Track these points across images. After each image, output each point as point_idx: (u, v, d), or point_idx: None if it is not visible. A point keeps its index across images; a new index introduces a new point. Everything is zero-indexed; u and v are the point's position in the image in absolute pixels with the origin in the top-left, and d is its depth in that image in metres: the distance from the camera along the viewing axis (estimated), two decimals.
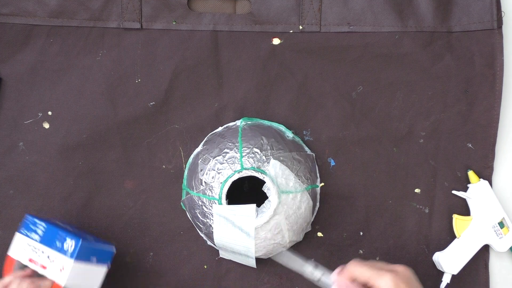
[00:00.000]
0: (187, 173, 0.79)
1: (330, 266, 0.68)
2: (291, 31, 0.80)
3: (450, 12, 0.79)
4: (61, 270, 0.67)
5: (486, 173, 0.80)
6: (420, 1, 0.79)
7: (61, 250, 0.68)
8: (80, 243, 0.67)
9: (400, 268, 0.65)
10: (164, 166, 0.80)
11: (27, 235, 0.69)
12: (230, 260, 0.80)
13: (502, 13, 0.79)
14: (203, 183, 0.74)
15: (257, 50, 0.80)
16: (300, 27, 0.79)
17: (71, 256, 0.67)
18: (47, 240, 0.68)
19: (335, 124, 0.80)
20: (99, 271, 0.72)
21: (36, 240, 0.69)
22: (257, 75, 0.80)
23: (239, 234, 0.72)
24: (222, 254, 0.78)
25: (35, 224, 0.69)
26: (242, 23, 0.80)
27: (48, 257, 0.68)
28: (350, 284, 0.65)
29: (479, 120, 0.80)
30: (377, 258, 0.80)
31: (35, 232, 0.69)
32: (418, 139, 0.80)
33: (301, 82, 0.80)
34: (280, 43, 0.80)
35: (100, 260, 0.71)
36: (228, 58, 0.80)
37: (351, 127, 0.80)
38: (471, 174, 0.79)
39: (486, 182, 0.79)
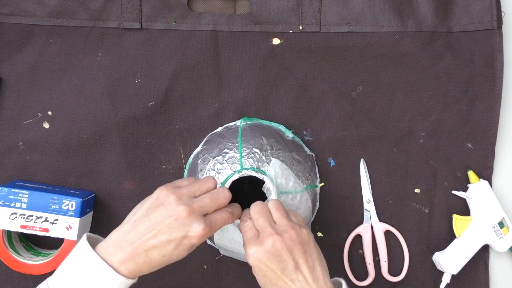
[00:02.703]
0: (187, 173, 0.79)
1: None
2: (291, 31, 0.80)
3: (450, 12, 0.79)
4: (68, 228, 0.75)
5: (486, 173, 0.80)
6: (420, 1, 0.79)
7: (61, 212, 0.75)
8: (81, 203, 0.75)
9: (287, 234, 0.62)
10: (164, 166, 0.80)
11: (9, 206, 0.74)
12: (230, 260, 0.80)
13: (502, 13, 0.79)
14: None
15: (257, 50, 0.80)
16: (300, 27, 0.79)
17: (76, 215, 0.75)
18: (38, 206, 0.75)
19: (335, 124, 0.80)
20: (89, 216, 0.79)
21: (23, 208, 0.75)
22: (257, 75, 0.80)
23: (239, 234, 0.72)
24: (223, 252, 0.78)
25: (16, 194, 0.75)
26: (242, 23, 0.80)
27: (47, 219, 0.74)
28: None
29: (479, 120, 0.79)
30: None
31: (19, 201, 0.74)
32: (418, 139, 0.80)
33: (301, 82, 0.80)
34: (280, 43, 0.80)
35: (90, 208, 0.79)
36: (228, 58, 0.80)
37: (351, 127, 0.80)
38: (471, 174, 0.79)
39: (486, 182, 0.78)
